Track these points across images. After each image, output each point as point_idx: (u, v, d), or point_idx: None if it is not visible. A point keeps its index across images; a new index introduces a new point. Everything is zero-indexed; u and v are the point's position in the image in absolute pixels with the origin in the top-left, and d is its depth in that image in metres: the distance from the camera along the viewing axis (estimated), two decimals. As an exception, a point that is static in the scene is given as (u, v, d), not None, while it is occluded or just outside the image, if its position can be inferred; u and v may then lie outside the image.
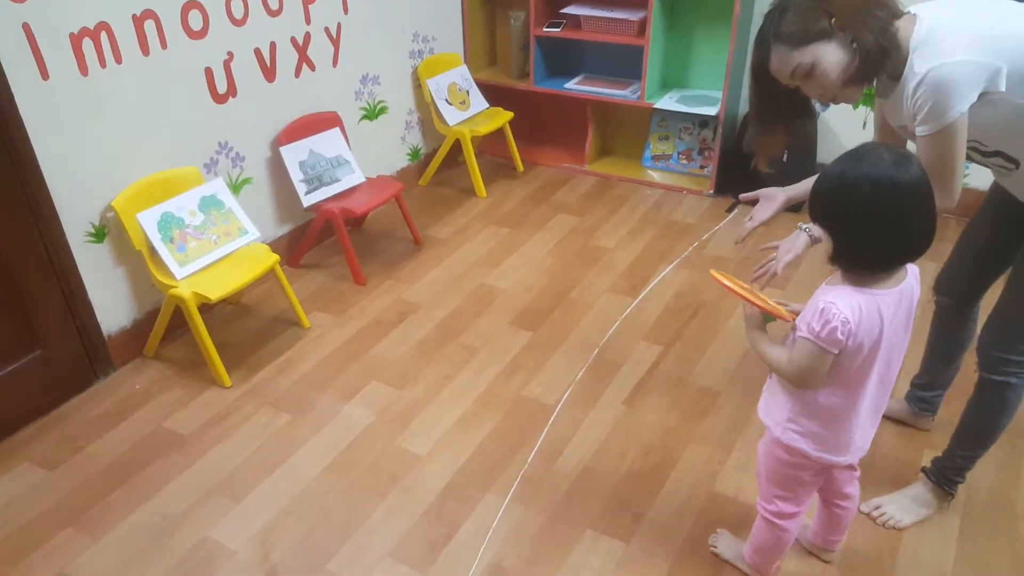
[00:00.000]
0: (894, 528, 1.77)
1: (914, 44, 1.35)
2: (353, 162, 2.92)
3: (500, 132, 3.49)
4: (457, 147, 3.46)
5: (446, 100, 3.39)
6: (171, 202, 2.30)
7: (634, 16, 3.22)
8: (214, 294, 2.17)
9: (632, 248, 2.98)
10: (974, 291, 1.80)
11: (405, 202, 3.01)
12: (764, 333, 1.39)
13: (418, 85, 3.39)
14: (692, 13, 3.31)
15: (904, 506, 1.80)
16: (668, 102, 3.32)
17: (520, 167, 3.67)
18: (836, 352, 1.26)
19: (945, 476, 1.78)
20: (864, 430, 1.40)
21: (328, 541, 1.79)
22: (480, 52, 3.76)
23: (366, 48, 3.06)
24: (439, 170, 3.55)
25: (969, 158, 1.45)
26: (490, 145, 3.74)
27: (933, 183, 1.23)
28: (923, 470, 1.83)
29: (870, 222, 1.21)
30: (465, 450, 2.03)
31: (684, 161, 3.55)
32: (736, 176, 3.31)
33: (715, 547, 1.73)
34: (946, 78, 1.30)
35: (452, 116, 3.38)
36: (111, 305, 2.33)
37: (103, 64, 2.13)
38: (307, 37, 2.78)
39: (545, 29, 3.42)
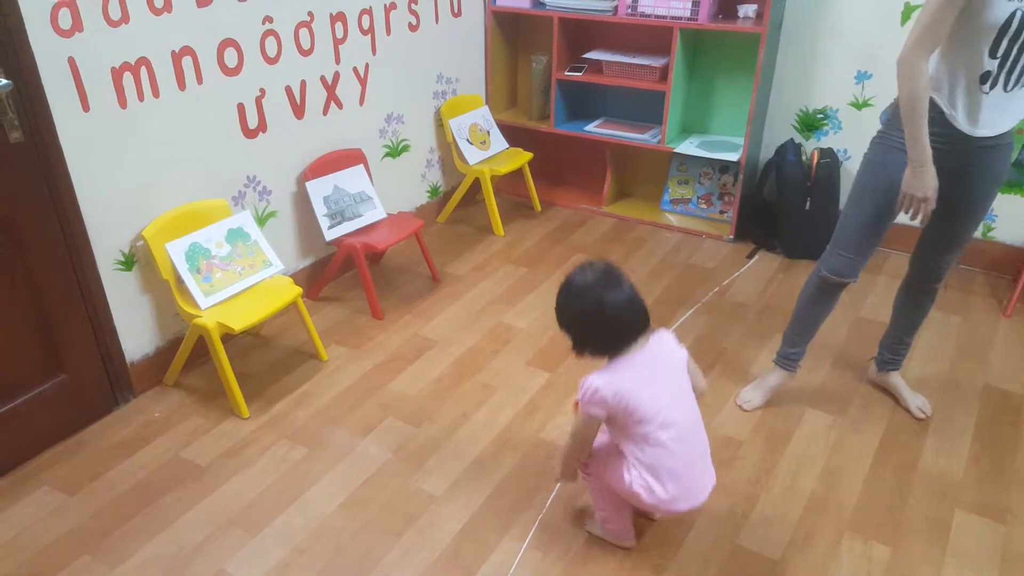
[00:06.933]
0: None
1: None
2: (375, 198, 2.97)
3: (519, 172, 3.54)
4: (476, 186, 3.51)
5: (467, 140, 3.45)
6: (199, 233, 2.33)
7: (656, 63, 3.28)
8: (238, 325, 2.19)
9: (651, 291, 2.98)
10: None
11: (424, 239, 3.04)
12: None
13: (440, 124, 3.45)
14: (714, 61, 3.37)
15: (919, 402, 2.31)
16: (689, 147, 3.36)
17: (538, 207, 3.71)
18: (598, 413, 1.62)
19: (898, 360, 2.33)
20: (686, 469, 1.68)
21: (343, 580, 1.77)
22: (502, 94, 3.83)
23: (392, 88, 3.13)
24: (457, 208, 3.59)
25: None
26: (508, 185, 3.78)
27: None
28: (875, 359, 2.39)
29: (579, 323, 1.66)
30: (482, 492, 2.02)
31: (704, 206, 3.58)
32: (756, 222, 3.34)
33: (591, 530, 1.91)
34: None
35: (473, 155, 3.43)
36: (135, 333, 2.35)
37: (141, 98, 2.19)
38: (336, 76, 2.84)
39: (567, 73, 3.48)
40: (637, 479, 1.66)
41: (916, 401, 2.30)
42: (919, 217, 1.86)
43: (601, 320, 1.61)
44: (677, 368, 1.71)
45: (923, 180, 1.80)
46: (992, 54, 1.71)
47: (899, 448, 2.17)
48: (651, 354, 1.67)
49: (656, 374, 1.66)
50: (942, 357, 2.57)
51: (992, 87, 1.75)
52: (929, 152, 1.78)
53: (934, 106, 1.81)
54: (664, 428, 1.63)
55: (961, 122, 1.80)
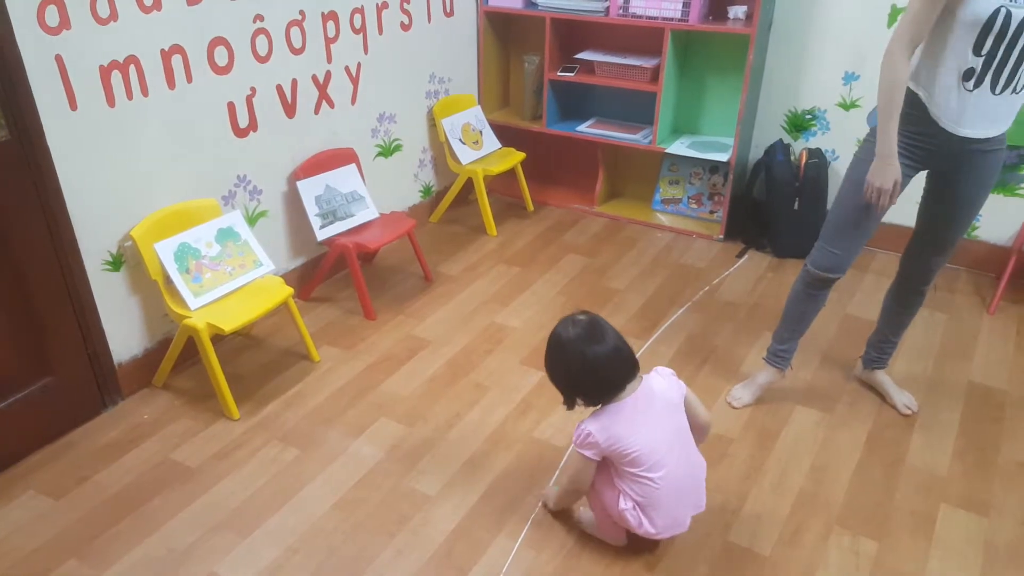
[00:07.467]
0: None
1: None
2: (368, 198, 2.96)
3: (511, 172, 3.54)
4: (468, 185, 3.51)
5: (460, 140, 3.44)
6: (189, 233, 2.31)
7: (648, 63, 3.29)
8: (228, 326, 2.17)
9: (643, 290, 2.99)
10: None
11: (416, 238, 3.03)
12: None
13: (433, 124, 3.45)
14: (704, 62, 3.38)
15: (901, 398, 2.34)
16: (680, 147, 3.37)
17: (530, 207, 3.71)
18: (592, 456, 1.67)
19: (884, 358, 2.36)
20: (674, 506, 1.72)
21: (335, 581, 1.76)
22: (494, 94, 3.83)
23: (384, 87, 3.12)
24: (450, 208, 3.59)
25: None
26: (501, 184, 3.78)
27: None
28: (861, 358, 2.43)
29: (565, 378, 1.71)
30: (475, 491, 2.01)
31: (694, 206, 3.59)
32: (746, 222, 3.35)
33: (580, 521, 1.91)
34: None
35: (465, 155, 3.43)
36: (123, 334, 2.33)
37: (130, 96, 2.17)
38: (328, 75, 2.83)
39: (559, 73, 3.49)
40: (630, 511, 1.70)
41: (902, 398, 2.32)
42: (879, 209, 1.90)
43: (586, 374, 1.66)
44: (671, 408, 1.73)
45: (885, 172, 1.84)
46: (976, 51, 1.72)
47: (886, 444, 2.19)
48: (643, 397, 1.69)
49: (648, 417, 1.68)
50: (927, 354, 2.60)
51: (977, 85, 1.76)
52: (895, 147, 1.81)
53: (917, 103, 1.83)
54: (655, 469, 1.67)
55: (944, 119, 1.82)
